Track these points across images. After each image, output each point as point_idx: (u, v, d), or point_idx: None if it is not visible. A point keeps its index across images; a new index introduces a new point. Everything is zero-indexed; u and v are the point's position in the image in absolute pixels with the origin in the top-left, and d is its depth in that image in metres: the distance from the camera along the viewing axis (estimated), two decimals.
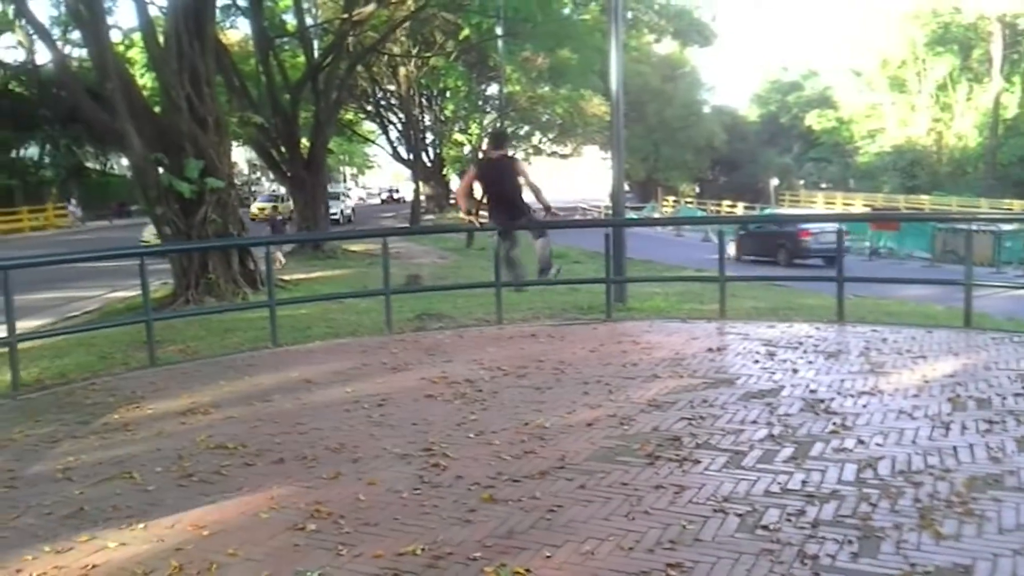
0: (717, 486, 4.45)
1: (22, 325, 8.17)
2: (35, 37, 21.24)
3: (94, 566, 3.77)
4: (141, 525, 4.20)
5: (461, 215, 9.15)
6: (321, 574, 3.60)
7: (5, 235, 34.38)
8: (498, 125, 37.77)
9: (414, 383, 6.91)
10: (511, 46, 30.54)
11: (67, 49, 27.77)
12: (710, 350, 7.81)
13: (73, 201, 40.75)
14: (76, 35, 30.42)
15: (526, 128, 47.26)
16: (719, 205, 52.68)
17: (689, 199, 59.61)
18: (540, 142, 50.44)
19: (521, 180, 8.18)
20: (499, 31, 27.57)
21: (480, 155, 8.42)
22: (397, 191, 79.58)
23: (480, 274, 16.47)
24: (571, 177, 71.64)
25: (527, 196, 8.28)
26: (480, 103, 43.09)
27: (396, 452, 5.17)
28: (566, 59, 32.32)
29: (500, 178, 8.17)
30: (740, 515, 4.08)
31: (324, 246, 23.45)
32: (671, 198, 59.19)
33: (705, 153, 59.89)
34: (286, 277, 16.67)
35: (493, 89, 42.37)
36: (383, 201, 77.30)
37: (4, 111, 37.84)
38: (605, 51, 14.61)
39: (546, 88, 39.63)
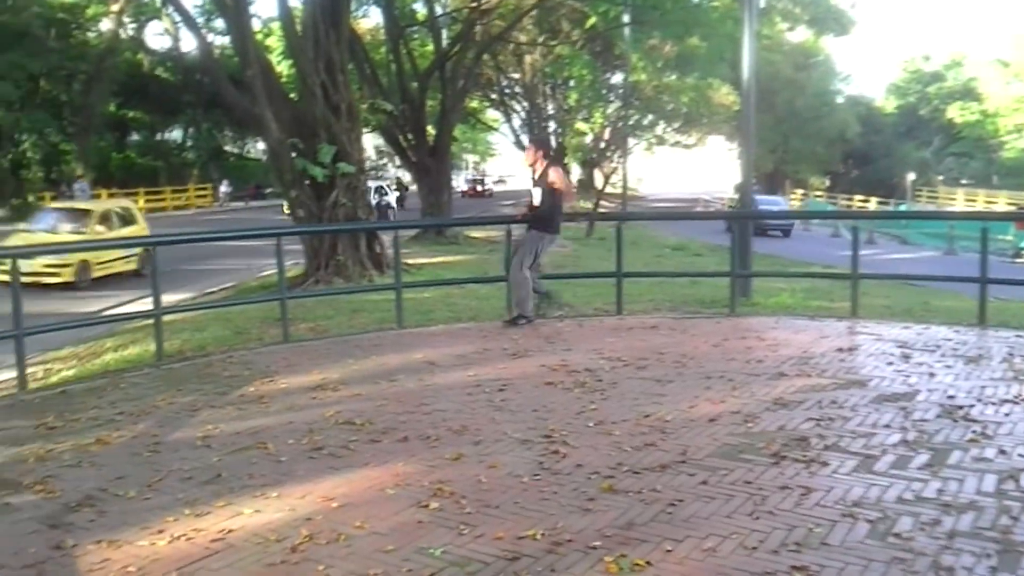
0: (846, 490, 4.31)
1: (165, 299, 8.64)
2: (181, 25, 22.28)
3: (230, 531, 3.95)
4: (274, 493, 4.38)
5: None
6: (444, 551, 3.68)
7: (149, 213, 36.33)
8: (622, 114, 37.45)
9: (534, 370, 6.95)
10: (638, 34, 30.17)
11: (210, 37, 29.10)
12: (840, 350, 7.55)
13: (225, 182, 42.90)
14: (219, 24, 31.95)
15: (650, 117, 46.66)
16: (850, 200, 50.79)
17: (818, 193, 57.71)
18: (664, 132, 49.73)
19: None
20: (626, 19, 27.30)
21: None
22: (482, 181, 66.00)
23: (599, 264, 16.42)
24: (694, 168, 70.42)
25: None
26: (604, 92, 42.79)
27: (516, 437, 5.22)
28: (694, 47, 31.71)
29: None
30: (870, 521, 3.94)
31: (446, 232, 23.85)
32: (799, 191, 57.44)
33: (837, 145, 57.84)
34: (409, 261, 17.05)
35: (618, 78, 41.94)
36: (464, 193, 57.48)
37: (151, 96, 40.05)
38: (736, 39, 14.29)
39: (672, 77, 38.98)
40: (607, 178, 41.10)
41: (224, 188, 42.91)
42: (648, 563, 3.54)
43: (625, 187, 34.83)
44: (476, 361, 7.32)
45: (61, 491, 4.49)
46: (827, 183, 62.55)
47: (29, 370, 7.14)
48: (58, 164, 36.66)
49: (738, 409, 5.71)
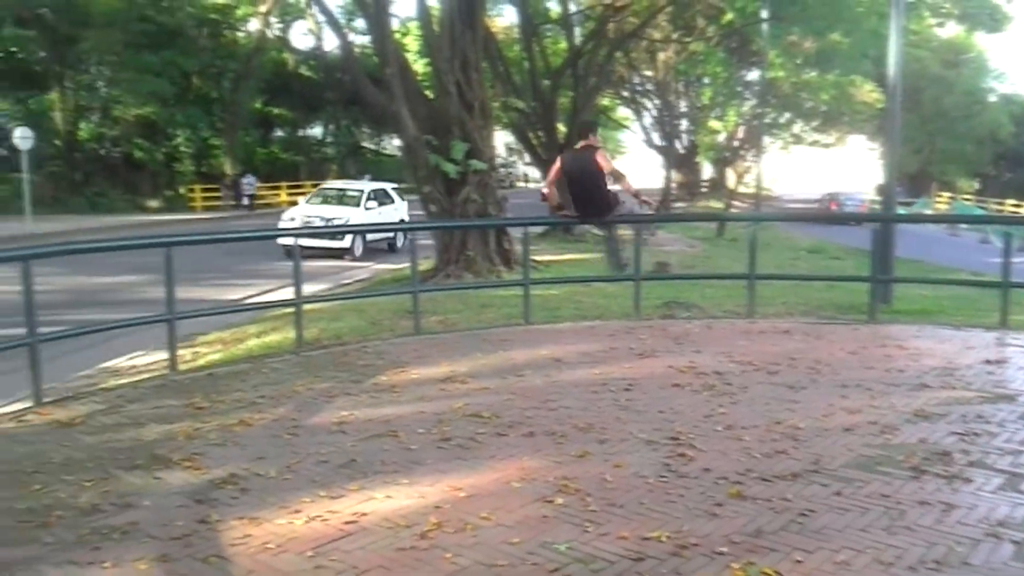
0: (991, 509, 4.10)
1: (304, 290, 8.99)
2: (324, 25, 23.15)
3: (363, 514, 4.09)
4: (405, 481, 4.51)
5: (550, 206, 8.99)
6: (569, 547, 3.71)
7: (291, 207, 37.93)
8: (758, 112, 36.50)
9: (661, 371, 6.89)
10: (776, 30, 29.34)
11: (351, 36, 30.06)
12: (988, 362, 7.16)
13: (368, 176, 44.36)
14: (359, 24, 33.04)
15: (787, 115, 45.33)
16: (1001, 204, 47.88)
17: (967, 196, 54.63)
18: (801, 130, 48.22)
19: (604, 171, 8.20)
20: (764, 14, 26.63)
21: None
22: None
23: (730, 265, 16.13)
24: (833, 168, 67.90)
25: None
26: (739, 89, 41.87)
27: (642, 437, 5.20)
28: (836, 43, 30.57)
29: (582, 171, 8.22)
30: (1016, 542, 3.73)
31: (574, 229, 23.85)
32: (946, 194, 54.60)
33: (988, 146, 54.51)
34: (537, 258, 17.14)
35: (754, 75, 40.92)
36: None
37: (294, 93, 41.69)
38: (882, 35, 13.74)
39: (812, 73, 37.72)
40: (740, 178, 40.29)
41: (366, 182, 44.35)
42: (777, 573, 3.47)
43: (759, 187, 33.97)
44: (602, 360, 7.31)
45: (207, 468, 4.75)
46: (976, 186, 59.13)
47: (179, 353, 7.56)
48: (208, 158, 38.67)
49: (876, 419, 5.50)
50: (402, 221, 20.91)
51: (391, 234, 20.99)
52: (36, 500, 4.29)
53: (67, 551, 3.73)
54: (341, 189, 22.45)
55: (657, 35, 33.70)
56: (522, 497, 4.28)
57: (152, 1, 33.92)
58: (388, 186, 23.38)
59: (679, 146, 46.90)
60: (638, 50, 35.88)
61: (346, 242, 19.09)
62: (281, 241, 15.95)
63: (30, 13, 30.90)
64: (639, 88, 42.82)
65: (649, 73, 40.96)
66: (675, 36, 34.81)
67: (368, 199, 20.81)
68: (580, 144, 8.48)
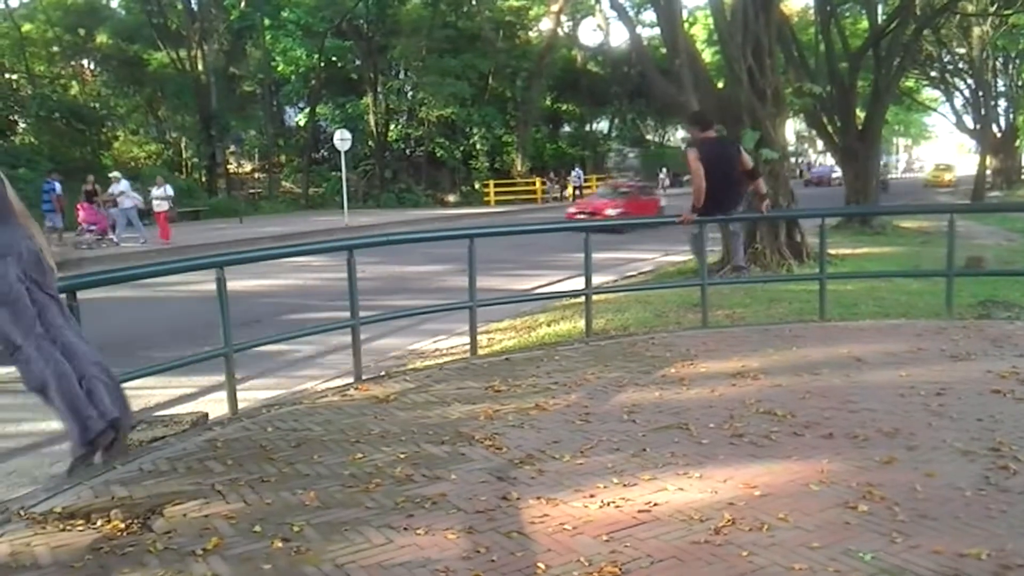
0: None
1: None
2: (611, 20, 23.49)
3: (655, 504, 4.11)
4: (696, 474, 4.48)
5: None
6: (874, 557, 3.50)
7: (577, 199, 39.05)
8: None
9: (978, 375, 6.29)
10: None
11: (638, 29, 30.21)
12: None
13: (664, 169, 44.52)
14: (645, 16, 33.12)
15: None
16: None
17: None
18: None
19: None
20: None
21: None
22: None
23: None
24: None
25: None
26: None
27: (957, 447, 4.78)
28: None
29: (730, 162, 8.09)
30: None
31: (872, 221, 22.37)
32: None
33: None
34: (831, 252, 16.25)
35: None
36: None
37: (581, 89, 42.74)
38: None
39: None
40: None
41: (662, 176, 44.33)
42: None
43: None
44: (909, 361, 6.81)
45: (506, 448, 5.00)
46: None
47: (477, 338, 8.02)
48: (500, 154, 40.64)
49: None
50: None
51: None
52: (358, 467, 4.75)
53: (386, 516, 4.09)
54: None
55: (972, 8, 30.68)
56: (821, 501, 4.10)
57: (453, 8, 36.27)
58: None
59: (996, 129, 42.43)
60: (949, 26, 32.91)
61: None
62: None
63: (348, 25, 34.19)
64: (949, 67, 39.28)
65: (961, 50, 37.44)
66: (993, 8, 31.53)
67: None
68: (708, 135, 8.31)
